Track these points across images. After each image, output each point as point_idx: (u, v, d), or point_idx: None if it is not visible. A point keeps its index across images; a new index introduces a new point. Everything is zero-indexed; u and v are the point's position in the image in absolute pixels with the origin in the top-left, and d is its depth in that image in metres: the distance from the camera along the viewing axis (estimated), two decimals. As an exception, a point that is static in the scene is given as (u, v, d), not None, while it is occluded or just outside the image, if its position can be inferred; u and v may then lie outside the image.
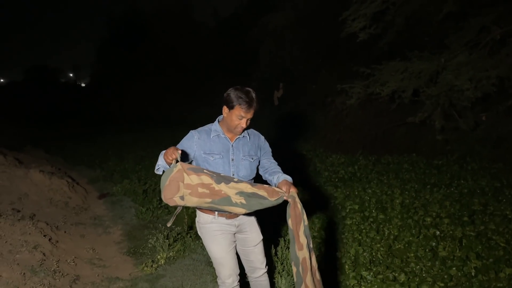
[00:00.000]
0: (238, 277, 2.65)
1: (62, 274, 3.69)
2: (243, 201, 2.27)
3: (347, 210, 5.30)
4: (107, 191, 7.15)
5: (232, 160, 2.53)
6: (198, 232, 2.66)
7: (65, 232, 4.84)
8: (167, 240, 4.37)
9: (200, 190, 2.20)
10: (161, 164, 2.35)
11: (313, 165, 7.90)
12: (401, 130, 8.33)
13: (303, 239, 2.33)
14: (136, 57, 23.73)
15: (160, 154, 2.35)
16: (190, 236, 4.73)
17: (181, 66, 21.02)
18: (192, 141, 2.49)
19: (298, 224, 2.35)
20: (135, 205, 6.20)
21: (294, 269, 2.42)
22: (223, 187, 2.25)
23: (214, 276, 3.63)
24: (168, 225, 2.46)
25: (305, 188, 6.51)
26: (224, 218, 2.54)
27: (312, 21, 11.84)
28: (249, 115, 2.43)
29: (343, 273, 3.77)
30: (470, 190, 5.51)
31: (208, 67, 19.32)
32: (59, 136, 15.54)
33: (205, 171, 2.27)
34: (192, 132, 2.54)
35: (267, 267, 2.75)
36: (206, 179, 2.23)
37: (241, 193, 2.27)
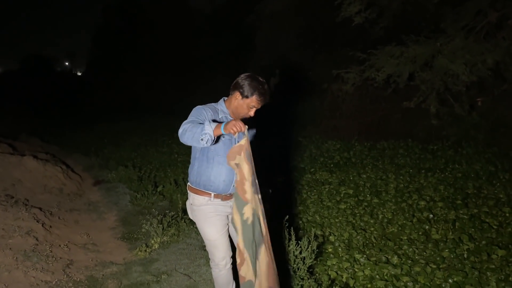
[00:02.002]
0: (231, 259, 2.64)
1: (55, 258, 3.69)
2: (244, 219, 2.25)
3: (342, 195, 5.30)
4: (102, 178, 7.14)
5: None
6: (190, 215, 2.64)
7: (59, 218, 4.83)
8: (161, 225, 4.36)
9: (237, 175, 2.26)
10: (209, 133, 2.10)
11: (308, 151, 7.89)
12: (397, 116, 8.31)
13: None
14: (132, 45, 23.52)
15: (205, 124, 2.13)
16: (185, 221, 4.72)
17: (177, 54, 20.85)
18: (205, 117, 2.38)
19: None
20: (130, 192, 6.18)
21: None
22: (246, 189, 2.24)
23: (207, 260, 3.63)
24: None
25: (300, 174, 6.53)
26: (219, 200, 2.53)
27: (308, 6, 11.72)
28: (260, 106, 2.43)
29: (337, 256, 3.79)
30: (464, 174, 5.51)
31: (204, 55, 19.17)
32: (55, 124, 15.47)
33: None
34: (201, 108, 2.43)
35: None
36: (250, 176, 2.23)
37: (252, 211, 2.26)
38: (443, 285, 3.18)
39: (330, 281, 3.35)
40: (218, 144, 2.44)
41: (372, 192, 5.25)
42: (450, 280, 3.21)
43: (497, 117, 6.94)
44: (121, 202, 5.81)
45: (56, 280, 3.36)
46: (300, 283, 3.10)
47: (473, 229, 3.96)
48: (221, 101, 2.54)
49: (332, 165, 6.84)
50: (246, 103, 2.39)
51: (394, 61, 5.98)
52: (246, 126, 2.14)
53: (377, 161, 6.70)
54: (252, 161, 2.23)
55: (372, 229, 4.29)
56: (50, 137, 12.06)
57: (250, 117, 2.49)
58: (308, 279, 3.18)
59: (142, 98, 20.70)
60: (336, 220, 4.59)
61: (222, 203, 2.54)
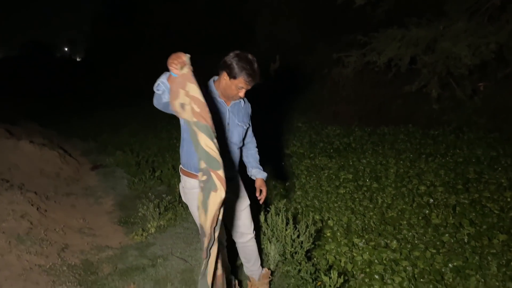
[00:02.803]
0: (225, 242, 2.59)
1: (50, 242, 3.65)
2: (218, 149, 1.92)
3: (341, 180, 5.24)
4: (100, 163, 7.08)
5: (228, 124, 2.44)
6: (183, 198, 2.58)
7: (55, 202, 4.78)
8: (157, 209, 4.31)
9: (194, 105, 1.89)
10: (163, 81, 2.01)
11: (308, 136, 7.81)
12: (398, 102, 8.21)
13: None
14: (131, 31, 23.26)
15: (163, 74, 2.04)
16: (182, 206, 4.68)
17: (177, 41, 20.62)
18: None
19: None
20: (127, 176, 6.13)
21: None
22: (210, 117, 1.92)
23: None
24: None
25: (299, 159, 6.46)
26: None
27: (309, -10, 11.53)
28: (249, 87, 2.32)
29: (335, 241, 3.74)
30: (465, 159, 5.44)
31: (204, 40, 18.96)
32: (53, 110, 15.37)
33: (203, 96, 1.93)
34: None
35: (254, 232, 2.69)
36: (201, 97, 1.91)
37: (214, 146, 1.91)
38: (443, 270, 3.14)
39: (328, 266, 3.30)
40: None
41: (371, 177, 5.19)
42: (450, 265, 3.17)
43: (499, 102, 6.84)
44: (118, 186, 5.76)
45: (50, 264, 3.31)
46: (298, 267, 3.05)
47: (474, 214, 3.90)
48: (211, 81, 2.44)
49: (331, 151, 6.77)
50: (234, 84, 2.28)
51: (396, 44, 5.86)
52: (188, 55, 1.90)
53: (377, 146, 6.62)
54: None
55: (371, 213, 4.24)
56: (48, 122, 11.97)
57: (241, 98, 2.41)
58: (306, 263, 3.13)
59: (141, 84, 20.55)
60: (335, 205, 4.54)
61: None
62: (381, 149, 6.44)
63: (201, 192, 1.90)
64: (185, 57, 1.90)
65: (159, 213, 4.32)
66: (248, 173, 2.71)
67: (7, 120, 9.85)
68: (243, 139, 2.61)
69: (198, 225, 2.01)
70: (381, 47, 6.10)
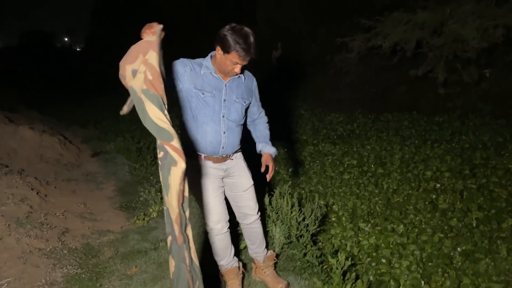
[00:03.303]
0: (228, 223, 2.52)
1: (50, 226, 3.58)
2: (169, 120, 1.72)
3: (345, 166, 5.17)
4: (100, 150, 7.01)
5: (224, 100, 2.34)
6: None
7: (55, 187, 4.71)
8: (159, 194, 4.25)
9: (148, 73, 1.71)
10: None
11: (311, 123, 7.72)
12: (402, 88, 8.09)
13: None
14: (131, 19, 23.03)
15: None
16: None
17: (177, 28, 20.42)
18: (185, 69, 2.24)
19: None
20: (128, 162, 6.06)
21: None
22: (163, 89, 1.75)
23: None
24: (122, 112, 1.86)
25: (302, 145, 6.38)
26: (211, 162, 2.39)
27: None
28: (245, 62, 2.21)
29: (340, 225, 3.67)
30: (471, 145, 5.35)
31: (205, 29, 18.77)
32: (54, 98, 15.26)
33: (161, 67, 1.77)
34: (185, 60, 2.28)
35: (259, 213, 2.62)
36: (157, 67, 1.75)
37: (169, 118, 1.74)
38: (452, 254, 3.07)
39: (334, 250, 3.24)
40: (199, 102, 2.28)
41: (376, 163, 5.11)
42: (458, 249, 3.10)
43: (505, 89, 6.73)
44: (119, 172, 5.69)
45: (51, 247, 3.25)
46: (304, 250, 2.99)
47: (482, 199, 3.82)
48: (208, 56, 2.35)
49: (335, 137, 6.69)
50: (228, 58, 2.17)
51: (401, 27, 5.74)
52: (161, 26, 1.80)
53: (381, 132, 6.54)
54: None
55: (376, 199, 4.17)
56: (48, 111, 11.88)
57: (238, 75, 2.31)
58: (312, 246, 3.06)
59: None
60: (340, 190, 4.47)
61: (214, 165, 2.41)
62: (385, 135, 6.36)
63: (160, 171, 1.70)
64: (157, 27, 1.80)
65: (161, 198, 4.25)
66: (257, 151, 2.62)
67: (7, 108, 9.77)
68: (245, 117, 2.51)
69: (165, 211, 1.77)
70: (386, 31, 5.98)
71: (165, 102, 1.73)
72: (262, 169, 2.50)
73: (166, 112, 1.71)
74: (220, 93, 2.33)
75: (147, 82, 1.70)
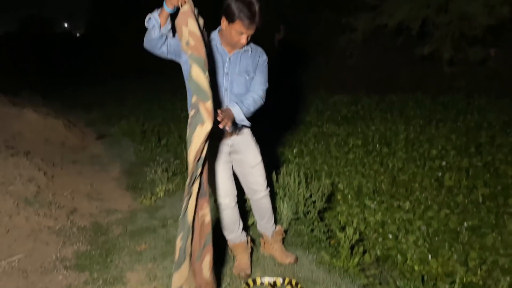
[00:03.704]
0: (236, 198, 2.52)
1: (58, 206, 3.60)
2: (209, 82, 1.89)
3: (350, 146, 5.17)
4: (105, 133, 7.02)
5: (227, 74, 2.31)
6: None
7: (61, 168, 4.73)
8: (166, 173, 4.26)
9: (191, 40, 1.87)
10: (154, 15, 2.00)
11: (315, 105, 7.69)
12: (406, 69, 8.04)
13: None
14: (131, 4, 22.79)
15: (155, 9, 2.01)
16: (190, 171, 4.62)
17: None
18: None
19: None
20: (133, 145, 6.07)
21: (178, 243, 1.96)
22: (205, 52, 1.90)
23: (213, 206, 3.54)
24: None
25: (306, 126, 6.37)
26: (216, 137, 2.37)
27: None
28: (251, 31, 2.16)
29: (346, 203, 3.68)
30: (477, 124, 5.35)
31: (207, 14, 18.59)
32: (56, 83, 15.23)
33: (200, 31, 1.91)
34: None
35: (268, 189, 2.62)
36: (197, 31, 1.88)
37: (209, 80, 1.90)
38: (458, 229, 3.08)
39: (341, 226, 3.25)
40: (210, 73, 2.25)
41: (381, 143, 5.11)
42: (465, 224, 3.11)
43: (510, 68, 6.68)
44: (124, 154, 5.71)
45: (60, 225, 3.28)
46: (311, 226, 3.01)
47: (487, 176, 3.84)
48: (217, 29, 2.30)
49: (339, 118, 6.67)
50: (234, 29, 2.13)
51: (407, 6, 5.66)
52: None
53: (386, 113, 6.53)
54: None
55: (382, 177, 4.17)
56: (51, 95, 11.86)
57: (243, 46, 2.25)
58: (319, 222, 3.08)
59: (144, 57, 20.29)
60: (345, 169, 4.47)
61: (221, 141, 2.40)
62: (390, 116, 6.35)
63: (188, 127, 1.86)
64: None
65: (167, 178, 4.27)
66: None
67: (9, 91, 9.75)
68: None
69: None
70: (391, 10, 5.90)
71: (206, 64, 1.89)
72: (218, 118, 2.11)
73: (207, 73, 1.88)
74: (223, 66, 2.30)
75: (192, 48, 1.87)
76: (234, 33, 2.16)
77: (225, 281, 2.42)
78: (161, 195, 4.04)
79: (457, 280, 1.93)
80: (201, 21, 1.99)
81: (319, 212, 3.27)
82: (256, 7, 2.09)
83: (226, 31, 2.20)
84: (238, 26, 2.12)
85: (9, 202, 3.27)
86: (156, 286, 2.50)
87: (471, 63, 6.17)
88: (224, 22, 2.18)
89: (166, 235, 3.13)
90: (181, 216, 1.94)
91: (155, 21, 1.98)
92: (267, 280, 2.48)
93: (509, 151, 4.31)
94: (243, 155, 2.51)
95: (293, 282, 2.42)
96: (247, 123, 2.35)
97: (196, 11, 1.94)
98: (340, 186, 4.06)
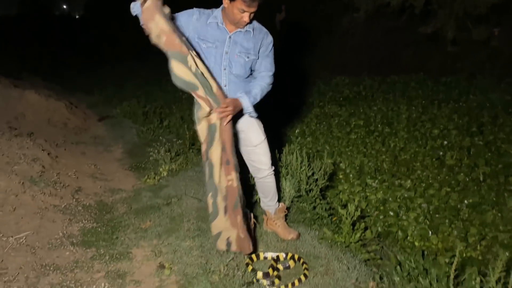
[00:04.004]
0: (240, 175, 2.55)
1: (63, 185, 3.64)
2: (194, 71, 2.04)
3: (352, 126, 5.18)
4: (106, 114, 7.04)
5: (226, 53, 2.29)
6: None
7: (65, 149, 4.76)
8: (168, 153, 4.29)
9: (163, 36, 1.99)
10: (136, 3, 2.12)
11: (317, 86, 7.67)
12: (409, 50, 7.98)
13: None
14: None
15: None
16: (193, 151, 4.66)
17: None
18: (190, 19, 2.25)
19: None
20: (135, 126, 6.10)
21: (209, 200, 2.32)
22: (180, 43, 2.01)
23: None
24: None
25: (308, 107, 6.37)
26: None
27: None
28: (253, 9, 2.14)
29: (348, 182, 3.72)
30: (479, 104, 5.34)
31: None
32: (56, 67, 15.15)
33: (170, 24, 2.03)
34: (193, 10, 2.28)
35: (273, 167, 2.64)
36: (166, 25, 1.99)
37: (195, 67, 2.05)
38: (459, 206, 3.12)
39: (342, 204, 3.29)
40: (201, 52, 2.27)
41: (383, 123, 5.12)
42: (465, 201, 3.15)
43: (514, 48, 6.62)
44: (127, 135, 5.74)
45: (65, 204, 3.32)
46: (313, 204, 3.05)
47: (489, 154, 3.85)
48: (221, 7, 2.28)
49: (341, 99, 6.67)
50: (235, 7, 2.12)
51: (411, -17, 5.58)
52: None
53: (388, 94, 6.52)
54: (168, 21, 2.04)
55: (383, 156, 4.19)
56: (52, 78, 11.83)
57: (246, 24, 2.22)
58: (321, 200, 3.12)
59: (144, 39, 20.11)
60: (347, 149, 4.50)
61: None
62: (392, 96, 6.34)
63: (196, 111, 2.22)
64: None
65: (170, 158, 4.30)
66: None
67: (9, 74, 9.72)
68: (251, 72, 2.44)
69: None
70: (395, -12, 5.83)
71: (185, 51, 2.00)
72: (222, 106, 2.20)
73: (188, 63, 2.00)
74: (222, 45, 2.28)
75: (166, 44, 1.99)
76: (236, 11, 2.15)
77: (229, 256, 2.46)
78: (165, 174, 4.08)
79: (457, 254, 1.97)
80: (166, 10, 2.07)
81: (321, 190, 3.31)
82: None
83: (228, 9, 2.19)
84: (239, 3, 2.10)
85: (14, 181, 3.30)
86: (162, 261, 2.55)
87: (474, 43, 6.12)
88: (226, 0, 2.17)
89: (170, 213, 3.18)
90: (207, 179, 2.27)
91: (136, 9, 2.12)
92: (270, 255, 2.53)
93: (510, 130, 4.31)
94: (245, 133, 2.52)
95: (296, 256, 2.47)
96: (254, 114, 2.41)
97: (160, 2, 2.01)
98: (342, 165, 4.09)
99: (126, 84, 10.09)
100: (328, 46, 9.81)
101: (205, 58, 2.28)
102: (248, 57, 2.34)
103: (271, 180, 2.67)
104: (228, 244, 2.33)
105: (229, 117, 2.19)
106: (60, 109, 6.13)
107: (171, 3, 2.13)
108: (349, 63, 8.84)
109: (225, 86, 2.35)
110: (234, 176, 2.25)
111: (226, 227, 2.29)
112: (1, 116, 5.11)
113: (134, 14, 2.17)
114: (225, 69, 2.33)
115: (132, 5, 2.15)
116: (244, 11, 2.14)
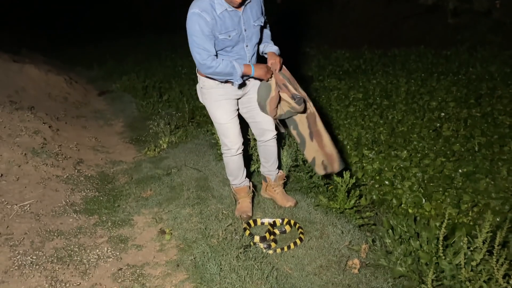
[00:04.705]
0: (242, 146, 2.60)
1: (65, 156, 3.72)
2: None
3: (351, 99, 5.19)
4: (106, 89, 7.05)
5: (245, 30, 2.32)
6: (201, 99, 2.54)
7: (66, 123, 4.81)
8: (168, 126, 4.34)
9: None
10: (237, 73, 2.29)
11: (316, 60, 7.63)
12: (410, 22, 7.90)
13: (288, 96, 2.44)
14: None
15: (236, 67, 2.27)
16: (192, 124, 4.70)
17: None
18: (207, 26, 2.17)
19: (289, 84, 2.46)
20: (135, 100, 6.12)
21: (293, 132, 2.57)
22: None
23: (216, 156, 3.64)
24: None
25: (307, 81, 6.37)
26: (229, 84, 2.41)
27: None
28: None
29: (345, 153, 3.77)
30: (478, 76, 5.33)
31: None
32: (56, 41, 15.04)
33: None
34: (197, 16, 2.15)
35: (276, 131, 2.69)
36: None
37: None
38: (453, 175, 3.18)
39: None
40: (226, 43, 2.28)
41: (382, 96, 5.13)
42: (460, 170, 3.20)
43: (516, 19, 6.56)
44: (127, 109, 5.77)
45: (68, 174, 3.40)
46: (310, 173, 3.11)
47: (485, 125, 3.88)
48: None
49: (341, 73, 6.65)
50: None
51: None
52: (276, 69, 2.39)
53: (388, 67, 6.49)
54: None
55: (381, 128, 4.23)
56: (51, 52, 11.77)
57: (240, 4, 2.20)
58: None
59: (144, 14, 19.84)
60: (345, 122, 4.53)
61: (232, 86, 2.43)
62: (392, 70, 6.32)
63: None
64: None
65: (170, 131, 4.35)
66: (259, 51, 2.58)
67: (8, 49, 9.67)
68: (262, 36, 2.49)
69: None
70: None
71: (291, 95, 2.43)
72: (269, 63, 2.43)
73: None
74: (240, 26, 2.29)
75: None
76: None
77: (227, 222, 2.54)
78: (164, 146, 4.13)
79: (446, 216, 2.03)
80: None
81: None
82: None
83: None
84: None
85: (17, 152, 3.37)
86: (162, 227, 2.64)
87: (476, 14, 6.05)
88: None
89: (170, 183, 3.25)
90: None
91: (240, 81, 2.33)
92: (267, 220, 2.61)
93: (508, 102, 4.32)
94: (251, 94, 2.54)
95: (292, 222, 2.55)
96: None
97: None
98: (340, 137, 4.14)
99: (126, 59, 10.05)
100: (329, 19, 9.69)
101: (230, 47, 2.32)
102: (262, 22, 2.41)
103: (274, 144, 2.73)
104: (325, 167, 2.59)
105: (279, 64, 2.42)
106: (60, 83, 6.15)
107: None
108: (350, 36, 8.77)
109: (249, 61, 2.41)
110: (310, 104, 2.56)
111: (316, 150, 2.56)
112: (2, 90, 5.13)
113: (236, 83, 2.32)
114: (247, 45, 2.38)
115: (238, 80, 2.30)
116: None
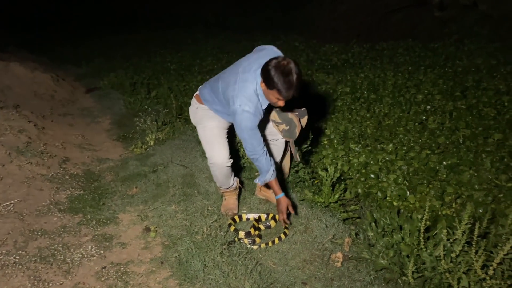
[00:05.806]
0: (231, 160, 2.57)
1: (50, 155, 3.68)
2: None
3: (339, 93, 5.20)
4: (94, 86, 6.98)
5: (263, 121, 2.49)
6: (193, 118, 2.63)
7: (52, 121, 4.76)
8: (155, 123, 4.32)
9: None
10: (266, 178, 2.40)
11: (305, 55, 7.63)
12: (398, 16, 7.93)
13: None
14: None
15: (270, 173, 2.39)
16: (180, 121, 4.69)
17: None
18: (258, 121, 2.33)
19: None
20: (123, 97, 6.07)
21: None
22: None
23: (203, 152, 3.63)
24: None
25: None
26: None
27: None
28: (288, 98, 2.17)
29: (332, 147, 3.78)
30: (464, 68, 5.37)
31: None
32: (43, 38, 14.86)
33: None
34: (252, 115, 2.24)
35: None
36: None
37: None
38: (437, 167, 3.20)
39: (324, 168, 3.36)
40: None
41: (369, 89, 5.15)
42: (444, 163, 3.23)
43: (503, 12, 6.60)
44: (115, 107, 5.73)
45: (52, 173, 3.37)
46: (295, 168, 3.11)
47: (470, 117, 3.91)
48: (256, 87, 2.25)
49: (329, 67, 6.66)
50: (271, 94, 2.15)
51: None
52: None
53: (376, 61, 6.51)
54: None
55: (368, 122, 4.25)
56: (38, 50, 11.62)
57: (281, 106, 2.27)
58: (303, 165, 3.19)
59: (132, 10, 19.68)
60: (332, 116, 4.54)
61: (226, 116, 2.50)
62: (380, 63, 6.34)
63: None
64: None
65: (157, 127, 4.33)
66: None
67: (-4, 48, 9.56)
68: None
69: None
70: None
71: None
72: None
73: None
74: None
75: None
76: (272, 97, 2.19)
77: (212, 218, 2.54)
78: (151, 143, 4.12)
79: (427, 209, 2.05)
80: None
81: (304, 156, 3.38)
82: (294, 78, 2.08)
83: (265, 93, 2.22)
84: (276, 93, 2.13)
85: (1, 151, 3.33)
86: (148, 225, 2.63)
87: (462, 7, 6.08)
88: (263, 84, 2.17)
89: (156, 180, 3.24)
90: None
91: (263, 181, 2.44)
92: (252, 216, 2.62)
93: (493, 94, 4.36)
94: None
95: (277, 217, 2.56)
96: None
97: None
98: (327, 131, 4.15)
99: (114, 56, 9.96)
100: (318, 13, 9.71)
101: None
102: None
103: (283, 142, 2.74)
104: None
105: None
106: (47, 81, 6.08)
107: None
108: (339, 30, 8.79)
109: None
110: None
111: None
112: (-14, 89, 5.08)
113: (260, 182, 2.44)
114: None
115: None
116: (280, 100, 2.17)
